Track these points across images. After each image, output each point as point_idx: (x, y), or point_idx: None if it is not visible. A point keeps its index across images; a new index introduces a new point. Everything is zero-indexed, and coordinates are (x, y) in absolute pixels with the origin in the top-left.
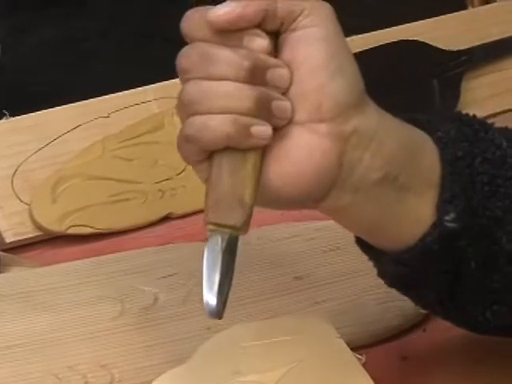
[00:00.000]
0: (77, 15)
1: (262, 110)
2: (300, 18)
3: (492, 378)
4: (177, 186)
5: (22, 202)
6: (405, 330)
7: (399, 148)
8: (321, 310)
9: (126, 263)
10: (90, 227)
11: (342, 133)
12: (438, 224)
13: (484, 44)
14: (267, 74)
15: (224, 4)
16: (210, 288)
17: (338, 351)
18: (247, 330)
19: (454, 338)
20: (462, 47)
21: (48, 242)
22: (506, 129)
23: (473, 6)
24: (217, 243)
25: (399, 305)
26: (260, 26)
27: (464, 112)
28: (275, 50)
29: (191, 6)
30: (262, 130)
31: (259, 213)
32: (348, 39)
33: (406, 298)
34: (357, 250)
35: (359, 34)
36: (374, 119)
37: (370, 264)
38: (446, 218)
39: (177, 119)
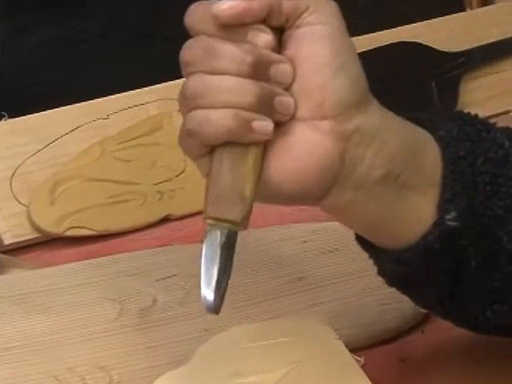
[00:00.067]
0: (77, 15)
1: (264, 105)
2: (305, 14)
3: (491, 378)
4: (175, 188)
5: (20, 203)
6: (403, 332)
7: (401, 146)
8: (319, 311)
9: (124, 265)
10: (89, 229)
11: (344, 131)
12: (439, 223)
13: (482, 46)
14: (270, 70)
15: None
16: (208, 283)
17: (337, 353)
18: (246, 332)
19: (453, 339)
20: (460, 49)
21: (46, 244)
22: (508, 128)
23: (471, 8)
24: (216, 238)
25: (398, 306)
26: (265, 21)
27: (465, 111)
28: (279, 46)
29: (195, 0)
30: (264, 125)
31: (259, 213)
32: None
33: (404, 299)
34: (354, 252)
35: (358, 35)
36: (376, 118)
37: (369, 265)
38: (448, 216)
39: (175, 121)
